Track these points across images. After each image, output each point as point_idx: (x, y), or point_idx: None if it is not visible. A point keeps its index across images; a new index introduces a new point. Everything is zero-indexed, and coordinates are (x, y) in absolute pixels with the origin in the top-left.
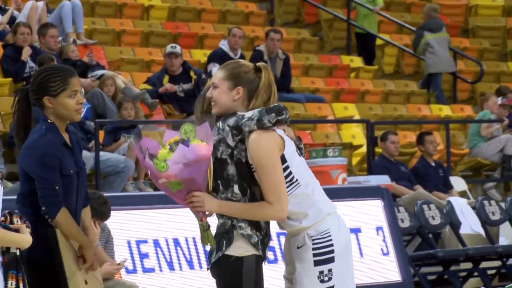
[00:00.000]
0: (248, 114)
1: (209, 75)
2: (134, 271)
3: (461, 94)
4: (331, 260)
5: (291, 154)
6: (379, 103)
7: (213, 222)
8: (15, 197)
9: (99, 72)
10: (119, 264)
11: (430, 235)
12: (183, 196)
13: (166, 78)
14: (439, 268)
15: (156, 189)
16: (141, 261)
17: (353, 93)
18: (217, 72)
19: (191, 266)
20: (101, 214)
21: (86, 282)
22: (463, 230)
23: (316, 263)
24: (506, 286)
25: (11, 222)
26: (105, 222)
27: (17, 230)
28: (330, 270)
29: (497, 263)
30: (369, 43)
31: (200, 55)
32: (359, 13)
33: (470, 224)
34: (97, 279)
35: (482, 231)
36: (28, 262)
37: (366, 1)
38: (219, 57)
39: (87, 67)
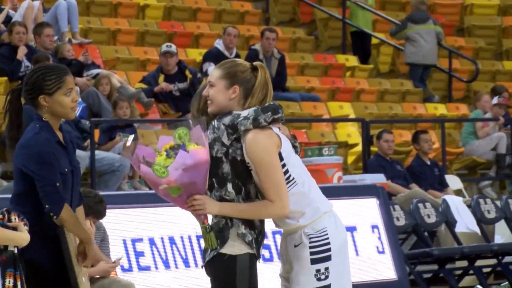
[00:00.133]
0: (244, 113)
1: (205, 74)
2: (130, 269)
3: (456, 93)
4: (328, 258)
5: (287, 152)
6: (374, 102)
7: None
8: (9, 196)
9: (95, 71)
10: (114, 262)
11: (426, 234)
12: (184, 200)
13: (161, 77)
14: (435, 266)
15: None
16: (137, 259)
17: (349, 92)
18: (213, 71)
19: (186, 264)
20: (96, 212)
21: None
22: (458, 229)
23: (313, 262)
24: (502, 284)
25: (9, 220)
26: (101, 220)
27: (15, 228)
28: (327, 269)
29: (493, 261)
30: (365, 42)
31: (195, 54)
32: (354, 12)
33: (466, 223)
34: (87, 276)
35: (477, 230)
36: (26, 261)
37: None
38: (214, 56)
39: (83, 66)
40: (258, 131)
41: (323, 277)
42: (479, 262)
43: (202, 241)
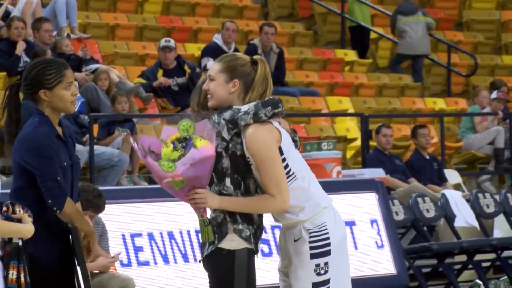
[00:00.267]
0: (244, 108)
1: (203, 69)
2: (129, 264)
3: (455, 88)
4: (328, 253)
5: (287, 146)
6: (373, 96)
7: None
8: (8, 191)
9: (93, 66)
10: (113, 257)
11: (425, 228)
12: (185, 193)
13: (160, 72)
14: (434, 261)
15: (150, 182)
16: (136, 254)
17: (347, 87)
18: (213, 64)
19: (185, 259)
20: (95, 206)
21: None
22: (457, 223)
23: (313, 256)
24: (501, 279)
25: (13, 212)
26: (100, 215)
27: (19, 220)
28: (326, 263)
29: (492, 256)
30: (363, 37)
31: (194, 49)
32: (352, 6)
33: (465, 217)
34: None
35: (476, 224)
36: (29, 255)
37: None
38: (213, 51)
39: (81, 61)
40: (258, 126)
41: (322, 271)
42: (478, 257)
43: (200, 236)
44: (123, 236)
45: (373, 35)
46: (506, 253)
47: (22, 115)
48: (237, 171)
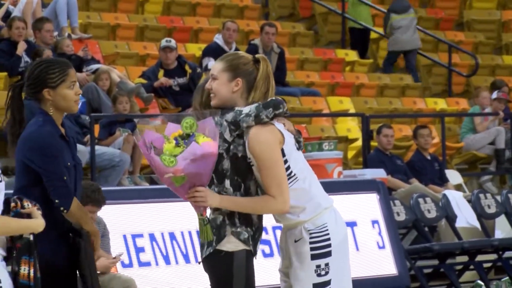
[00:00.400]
0: (246, 109)
1: (204, 69)
2: (130, 265)
3: (456, 88)
4: (328, 254)
5: (290, 148)
6: (374, 96)
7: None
8: (10, 191)
9: (94, 66)
10: (115, 258)
11: (426, 229)
12: (186, 191)
13: (161, 72)
14: (435, 262)
15: (152, 183)
16: (137, 255)
17: (348, 87)
18: (216, 63)
19: (187, 260)
20: (95, 201)
21: None
22: (459, 224)
23: (313, 257)
24: (502, 279)
25: (22, 207)
26: (101, 216)
27: (29, 214)
28: (327, 264)
29: (493, 256)
30: (363, 37)
31: (195, 49)
32: (352, 6)
33: (466, 217)
34: None
35: (477, 224)
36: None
37: None
38: (213, 51)
39: (82, 61)
40: (261, 127)
41: (323, 272)
42: (479, 257)
43: (199, 235)
44: (124, 236)
45: (373, 35)
46: (508, 254)
47: (25, 116)
48: (237, 172)
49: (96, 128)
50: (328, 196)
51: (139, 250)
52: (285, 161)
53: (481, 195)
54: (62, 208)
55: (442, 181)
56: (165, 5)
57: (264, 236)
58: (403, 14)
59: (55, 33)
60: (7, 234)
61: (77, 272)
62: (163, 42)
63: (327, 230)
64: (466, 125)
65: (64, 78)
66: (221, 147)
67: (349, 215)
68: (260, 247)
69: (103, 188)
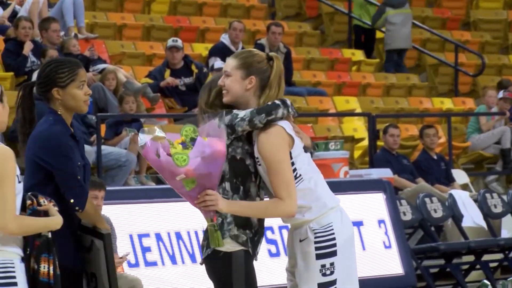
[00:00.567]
0: (241, 114)
1: (211, 69)
2: (137, 264)
3: (462, 87)
4: (333, 254)
5: (297, 151)
6: (380, 96)
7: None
8: None
9: (101, 66)
10: (121, 257)
11: (432, 228)
12: (195, 195)
13: (167, 72)
14: (441, 261)
15: (158, 182)
16: (143, 254)
17: (355, 86)
18: (229, 60)
19: (193, 259)
20: (93, 184)
21: None
22: (465, 223)
23: (318, 257)
24: (509, 279)
25: (39, 204)
26: (107, 216)
27: (46, 211)
28: (332, 264)
29: (499, 256)
30: (370, 37)
31: (201, 49)
32: (357, 6)
33: (472, 217)
34: None
35: (484, 224)
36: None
37: None
38: (220, 51)
39: (89, 61)
40: (271, 130)
41: (328, 272)
42: (485, 257)
43: (210, 242)
44: (131, 236)
45: (379, 35)
46: None
47: (35, 115)
48: (236, 175)
49: (103, 128)
50: (335, 196)
51: (146, 249)
52: (292, 163)
53: (488, 195)
54: (77, 208)
55: (449, 180)
56: (171, 5)
57: (270, 235)
58: (399, 9)
59: (62, 33)
60: (27, 234)
61: (84, 271)
62: (170, 42)
63: (332, 229)
64: (472, 124)
65: (73, 78)
66: None
67: (355, 214)
68: (267, 246)
69: (109, 188)
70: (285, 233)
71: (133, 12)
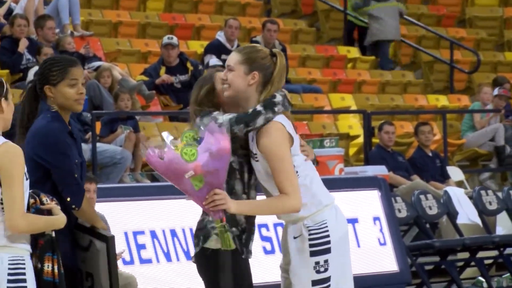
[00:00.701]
0: (220, 119)
1: (206, 66)
2: (131, 262)
3: (458, 84)
4: (328, 251)
5: (295, 149)
6: (376, 93)
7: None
8: None
9: (96, 63)
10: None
11: (427, 225)
12: (204, 195)
13: (162, 70)
14: (436, 258)
15: (153, 180)
16: (138, 252)
17: (350, 84)
18: (233, 55)
19: (188, 257)
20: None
21: None
22: (460, 220)
23: (312, 254)
24: (503, 276)
25: (42, 203)
26: (102, 213)
27: (49, 210)
28: (326, 261)
29: (494, 253)
30: (362, 33)
31: (196, 46)
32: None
33: (467, 214)
34: None
35: (479, 221)
36: None
37: None
38: (215, 48)
39: (84, 59)
40: (272, 127)
41: (322, 269)
42: (480, 254)
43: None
44: (126, 234)
45: None
46: (509, 250)
47: (38, 111)
48: None
49: (98, 125)
50: (330, 193)
51: (140, 247)
52: None
53: (483, 192)
54: (73, 206)
55: (444, 177)
56: (167, 2)
57: (265, 233)
58: (384, 2)
59: (57, 31)
60: (35, 232)
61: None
62: (165, 39)
63: (326, 227)
64: (466, 122)
65: (63, 76)
66: None
67: (350, 212)
68: (261, 243)
69: (104, 186)
70: (279, 230)
71: (128, 9)
